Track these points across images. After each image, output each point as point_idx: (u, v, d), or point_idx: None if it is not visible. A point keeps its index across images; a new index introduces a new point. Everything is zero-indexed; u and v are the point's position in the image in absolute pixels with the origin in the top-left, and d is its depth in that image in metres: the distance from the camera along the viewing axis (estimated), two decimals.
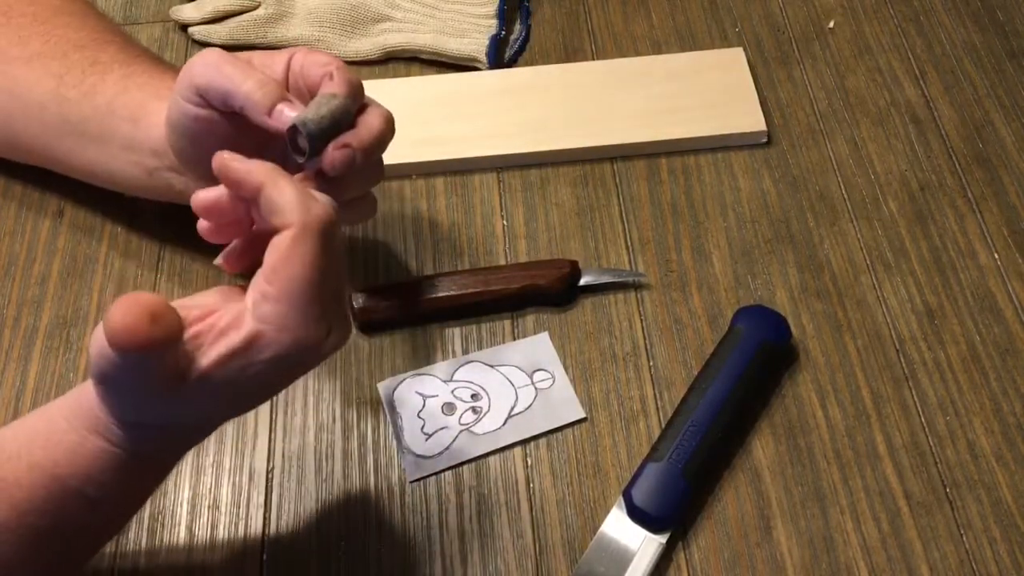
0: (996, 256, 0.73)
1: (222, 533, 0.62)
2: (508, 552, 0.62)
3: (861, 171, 0.78)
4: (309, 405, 0.67)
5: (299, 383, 0.66)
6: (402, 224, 0.75)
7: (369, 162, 0.58)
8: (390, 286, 0.71)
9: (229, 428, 0.66)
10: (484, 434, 0.66)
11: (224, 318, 0.49)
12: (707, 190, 0.77)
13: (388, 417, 0.66)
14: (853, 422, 0.66)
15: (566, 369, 0.68)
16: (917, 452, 0.65)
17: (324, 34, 0.84)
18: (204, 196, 0.54)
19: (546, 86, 0.81)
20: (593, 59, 0.85)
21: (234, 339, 0.48)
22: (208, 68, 0.56)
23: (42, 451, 0.50)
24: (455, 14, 0.85)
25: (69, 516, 0.50)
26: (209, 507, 0.63)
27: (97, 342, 0.46)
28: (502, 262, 0.73)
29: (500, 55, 0.84)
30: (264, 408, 0.67)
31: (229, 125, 0.58)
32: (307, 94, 0.58)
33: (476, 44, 0.83)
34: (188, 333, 0.48)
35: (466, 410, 0.67)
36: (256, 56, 0.59)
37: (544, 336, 0.70)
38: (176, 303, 0.48)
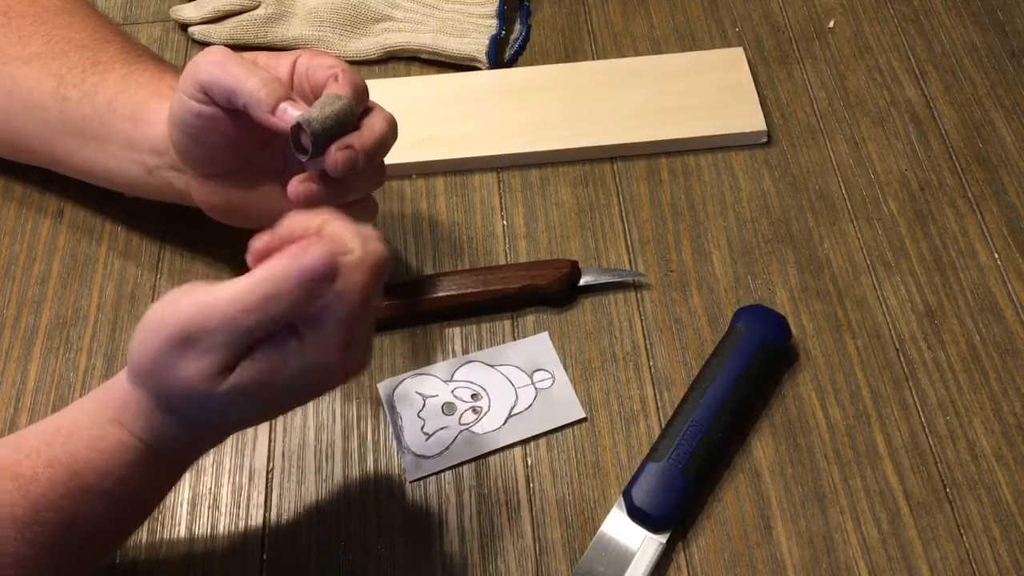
0: (996, 256, 0.73)
1: (222, 533, 0.62)
2: (508, 552, 0.62)
3: (861, 171, 0.78)
4: (309, 405, 0.67)
5: None
6: (402, 224, 0.75)
7: (371, 164, 0.58)
8: (390, 286, 0.71)
9: None
10: (484, 434, 0.66)
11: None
12: (707, 190, 0.77)
13: (388, 417, 0.66)
14: (853, 422, 0.66)
15: (566, 369, 0.68)
16: (917, 452, 0.65)
17: (324, 34, 0.84)
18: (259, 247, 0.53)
19: (546, 86, 0.81)
20: (593, 59, 0.85)
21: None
22: (213, 65, 0.56)
23: (62, 446, 0.51)
24: (455, 14, 0.85)
25: (86, 513, 0.51)
26: (209, 507, 0.63)
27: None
28: (502, 262, 0.73)
29: (500, 55, 0.84)
30: None
31: (232, 123, 0.58)
32: (311, 96, 0.58)
33: (476, 44, 0.83)
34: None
35: (466, 410, 0.67)
36: (261, 56, 0.59)
37: (544, 336, 0.70)
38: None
